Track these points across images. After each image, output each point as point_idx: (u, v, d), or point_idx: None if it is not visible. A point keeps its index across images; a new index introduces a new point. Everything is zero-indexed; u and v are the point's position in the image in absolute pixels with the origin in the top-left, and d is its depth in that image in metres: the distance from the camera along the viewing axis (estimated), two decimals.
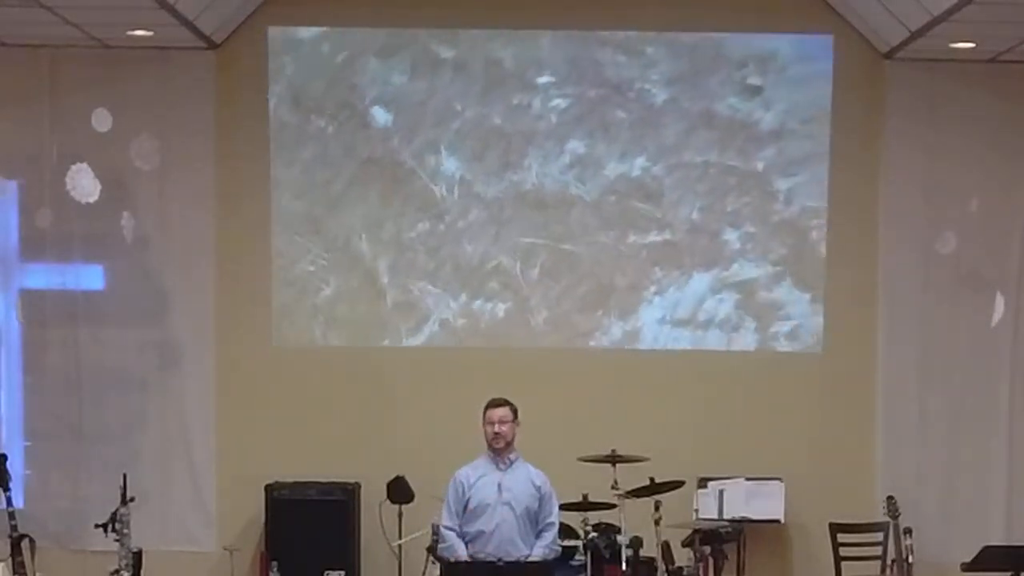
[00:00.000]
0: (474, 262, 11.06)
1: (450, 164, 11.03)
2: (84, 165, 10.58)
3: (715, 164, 11.00)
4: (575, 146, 10.99)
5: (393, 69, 10.94)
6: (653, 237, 11.04)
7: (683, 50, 10.93)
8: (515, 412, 9.13)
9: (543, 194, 11.03)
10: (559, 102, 11.00)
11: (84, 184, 10.35)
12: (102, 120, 10.42)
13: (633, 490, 9.55)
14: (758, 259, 11.04)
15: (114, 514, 9.55)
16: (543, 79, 11.00)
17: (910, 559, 9.99)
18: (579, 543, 9.64)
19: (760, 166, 11.00)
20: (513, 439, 9.13)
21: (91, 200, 10.55)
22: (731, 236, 11.04)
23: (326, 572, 10.37)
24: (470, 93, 10.97)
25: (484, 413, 9.12)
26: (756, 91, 10.95)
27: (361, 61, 10.96)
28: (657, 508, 9.43)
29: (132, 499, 9.64)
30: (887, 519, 10.38)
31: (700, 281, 11.05)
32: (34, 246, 10.97)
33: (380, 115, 11.00)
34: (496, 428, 9.06)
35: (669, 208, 11.03)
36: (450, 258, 11.06)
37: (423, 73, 10.95)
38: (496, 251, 11.05)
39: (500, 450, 9.10)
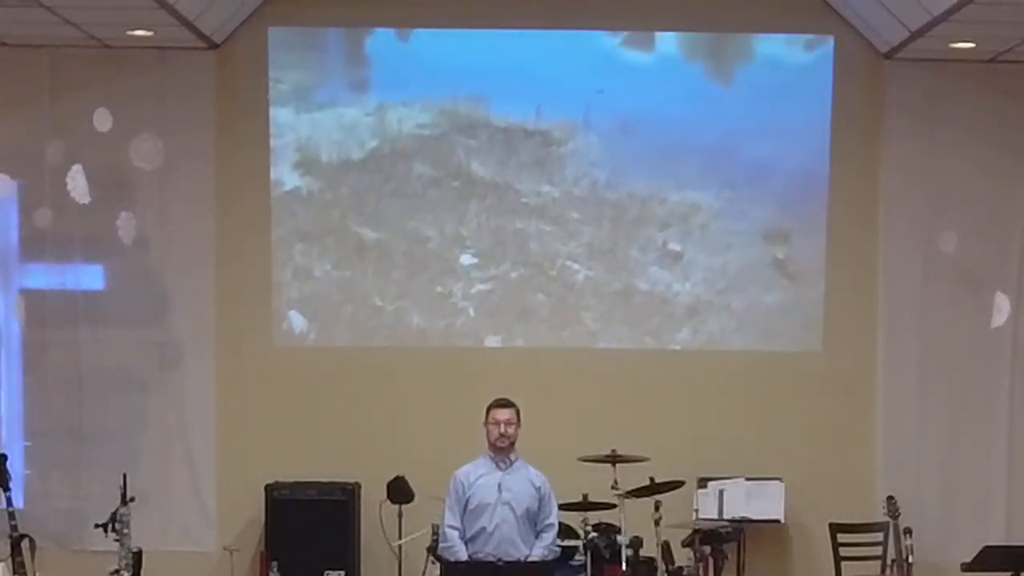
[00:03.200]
0: (474, 262, 11.05)
1: (450, 162, 11.05)
2: (81, 166, 10.57)
3: (716, 162, 11.03)
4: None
5: None
6: (653, 236, 11.04)
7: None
8: (518, 413, 9.15)
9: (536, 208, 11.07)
10: None
11: (83, 184, 10.35)
12: (102, 120, 10.41)
13: (633, 490, 9.54)
14: (758, 259, 11.03)
15: (114, 514, 9.54)
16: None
17: (910, 559, 9.99)
18: (579, 543, 9.64)
19: (760, 166, 11.00)
20: (516, 439, 9.15)
21: (87, 201, 10.54)
22: (730, 236, 11.03)
23: (326, 572, 10.38)
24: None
25: (488, 413, 9.13)
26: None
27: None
28: (657, 508, 9.43)
29: (132, 499, 9.63)
30: (887, 519, 10.38)
31: (700, 281, 11.04)
32: (34, 246, 10.97)
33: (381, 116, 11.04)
34: (502, 429, 9.06)
35: (669, 207, 11.03)
36: (450, 258, 11.06)
37: None
38: (496, 251, 11.05)
39: (503, 450, 9.10)
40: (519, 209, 11.08)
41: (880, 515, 10.54)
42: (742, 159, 10.97)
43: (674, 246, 11.09)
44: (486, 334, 11.09)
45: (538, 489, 9.14)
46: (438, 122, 11.03)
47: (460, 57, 10.95)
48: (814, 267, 11.02)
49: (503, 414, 9.08)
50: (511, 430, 9.09)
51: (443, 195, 11.05)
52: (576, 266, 11.09)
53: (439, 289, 11.07)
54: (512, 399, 9.18)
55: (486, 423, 9.14)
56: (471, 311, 11.09)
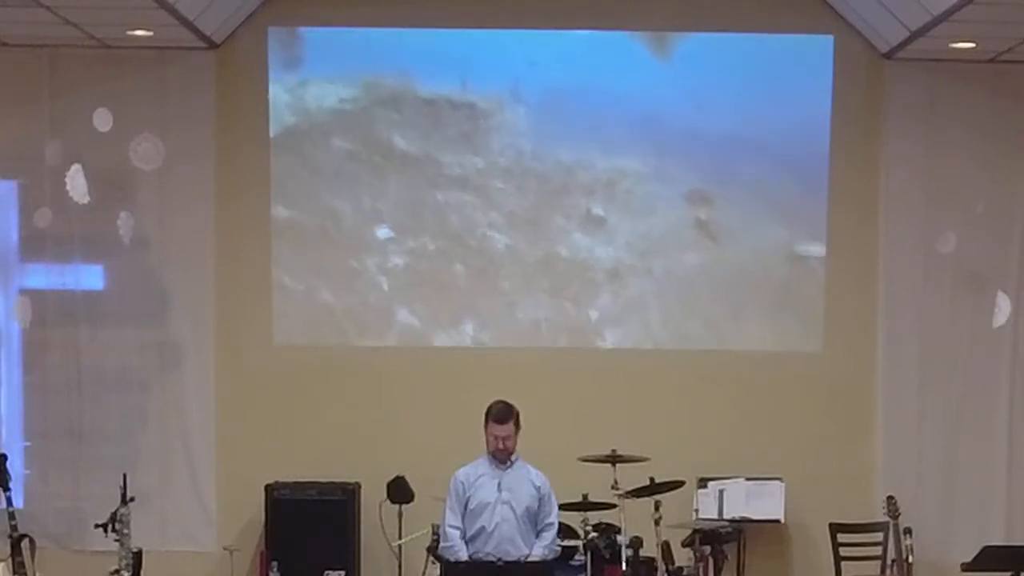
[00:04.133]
0: (474, 262, 11.05)
1: (451, 160, 11.05)
2: (80, 166, 10.56)
3: (715, 164, 11.03)
4: None
5: None
6: (652, 235, 11.04)
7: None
8: (518, 420, 9.12)
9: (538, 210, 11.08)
10: None
11: (82, 184, 10.34)
12: (102, 120, 10.41)
13: (633, 490, 9.55)
14: (757, 258, 11.03)
15: (114, 514, 9.54)
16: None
17: (910, 559, 9.99)
18: (579, 543, 9.64)
19: (760, 165, 11.00)
20: (515, 447, 9.15)
21: (85, 201, 10.53)
22: (730, 235, 11.03)
23: (326, 572, 10.38)
24: None
25: (487, 421, 9.10)
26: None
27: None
28: (657, 508, 9.44)
29: (132, 499, 9.63)
30: (887, 519, 10.38)
31: (699, 280, 11.04)
32: (34, 246, 10.97)
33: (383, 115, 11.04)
34: (500, 444, 9.07)
35: (670, 208, 11.03)
36: (450, 258, 11.06)
37: None
38: (496, 250, 11.05)
39: (502, 459, 9.13)
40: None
41: (880, 515, 10.54)
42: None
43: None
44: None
45: (538, 489, 9.14)
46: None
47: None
48: (814, 267, 11.02)
49: (502, 430, 9.05)
50: (509, 444, 9.09)
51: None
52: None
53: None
54: (512, 400, 9.16)
55: (485, 429, 9.12)
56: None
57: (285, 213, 11.02)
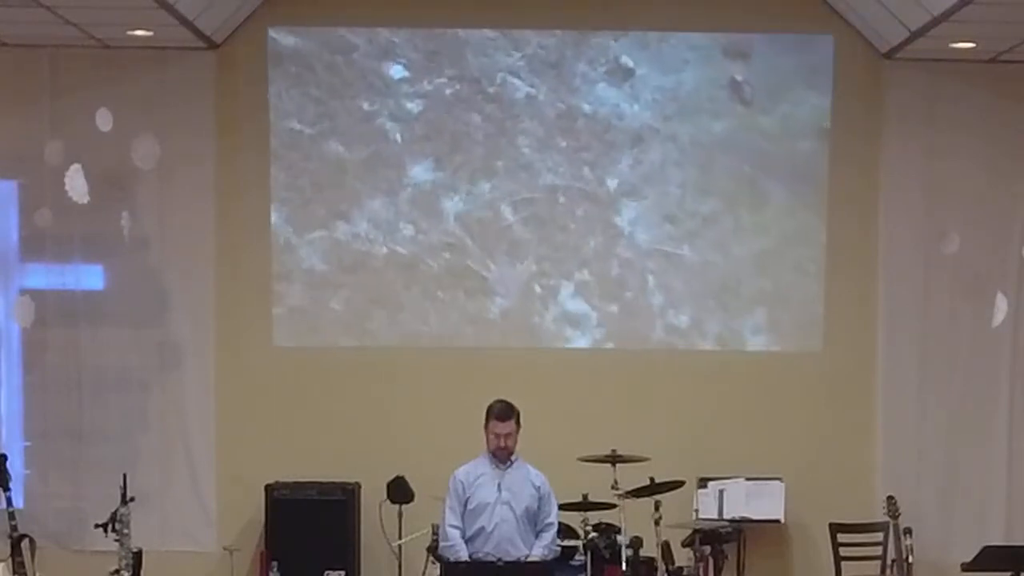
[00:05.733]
0: (474, 262, 11.06)
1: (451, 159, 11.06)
2: (80, 166, 10.56)
3: (714, 164, 11.03)
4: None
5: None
6: (653, 234, 11.04)
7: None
8: (518, 419, 9.14)
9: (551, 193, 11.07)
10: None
11: (81, 184, 10.34)
12: (103, 120, 10.41)
13: (633, 490, 9.55)
14: (758, 258, 11.04)
15: (114, 514, 9.54)
16: None
17: (910, 559, 9.99)
18: (579, 543, 9.64)
19: (760, 166, 11.01)
20: (515, 446, 9.15)
21: (85, 201, 10.53)
22: (730, 235, 11.03)
23: (326, 572, 10.38)
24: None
25: (488, 420, 9.12)
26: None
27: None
28: (657, 508, 9.44)
29: (132, 499, 9.63)
30: (887, 519, 10.38)
31: (699, 280, 11.04)
32: (34, 246, 10.97)
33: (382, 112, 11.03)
34: (501, 442, 9.08)
35: (670, 207, 11.03)
36: (450, 258, 11.06)
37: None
38: (496, 251, 11.05)
39: (503, 458, 9.13)
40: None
41: (880, 515, 10.54)
42: None
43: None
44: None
45: (538, 489, 9.14)
46: None
47: None
48: (814, 266, 11.02)
49: (503, 428, 9.07)
50: (510, 442, 9.10)
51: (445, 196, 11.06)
52: (576, 266, 11.08)
53: (439, 289, 11.07)
54: (512, 400, 9.17)
55: (486, 428, 9.13)
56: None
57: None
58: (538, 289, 11.04)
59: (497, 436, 9.07)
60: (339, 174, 11.03)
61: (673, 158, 11.01)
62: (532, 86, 11.00)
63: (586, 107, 11.01)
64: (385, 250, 11.05)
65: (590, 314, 11.06)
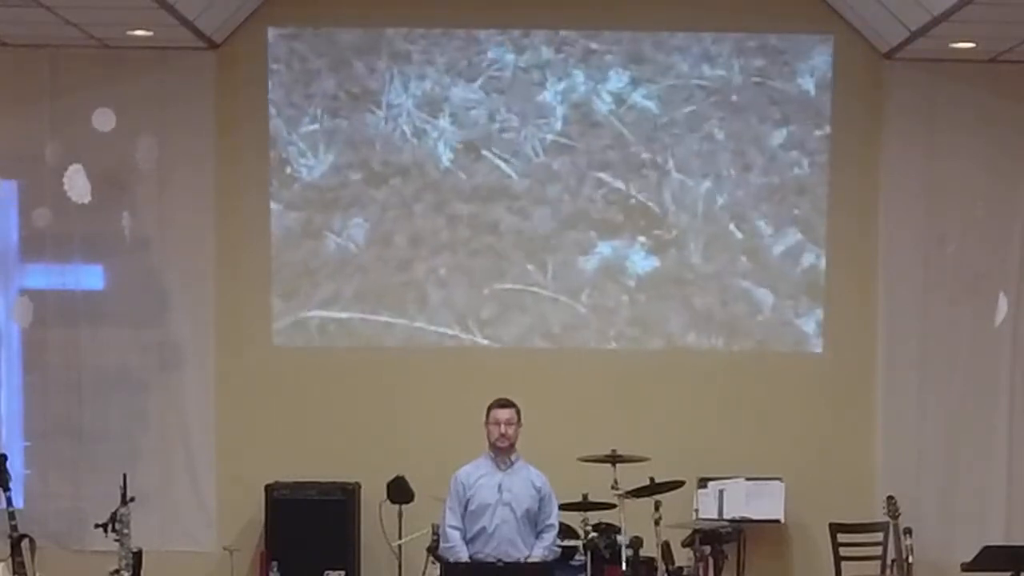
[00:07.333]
0: (473, 263, 11.06)
1: (452, 163, 11.05)
2: (79, 166, 10.56)
3: (714, 165, 11.03)
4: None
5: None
6: (653, 235, 11.04)
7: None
8: (519, 413, 9.15)
9: (543, 197, 11.06)
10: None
11: (80, 184, 10.34)
12: (105, 120, 10.41)
13: (633, 490, 9.55)
14: (758, 258, 11.03)
15: (114, 514, 9.54)
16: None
17: (910, 559, 9.99)
18: (579, 543, 9.64)
19: (760, 166, 11.01)
20: (516, 440, 9.15)
21: (86, 201, 10.53)
22: (731, 235, 11.03)
23: (326, 572, 10.37)
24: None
25: (488, 413, 9.13)
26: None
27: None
28: (657, 508, 9.44)
29: (132, 499, 9.63)
30: (887, 519, 10.38)
31: (699, 280, 11.04)
32: (34, 246, 10.97)
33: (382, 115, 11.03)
34: (502, 429, 9.06)
35: (671, 207, 11.03)
36: (450, 258, 11.06)
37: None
38: (496, 251, 11.05)
39: (503, 450, 9.11)
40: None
41: (880, 515, 10.54)
42: None
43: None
44: (486, 334, 11.07)
45: (538, 489, 9.14)
46: None
47: None
48: (814, 266, 11.02)
49: (503, 414, 9.08)
50: (511, 430, 9.09)
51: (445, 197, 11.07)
52: (575, 265, 11.08)
53: (439, 289, 11.04)
54: (512, 399, 9.18)
55: (486, 423, 9.14)
56: (470, 311, 11.08)
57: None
58: (538, 289, 11.04)
59: (498, 423, 9.06)
60: (339, 174, 11.03)
61: (671, 159, 11.00)
62: (532, 86, 10.99)
63: (583, 105, 11.00)
64: (385, 250, 11.05)
65: (590, 314, 11.06)
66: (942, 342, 10.95)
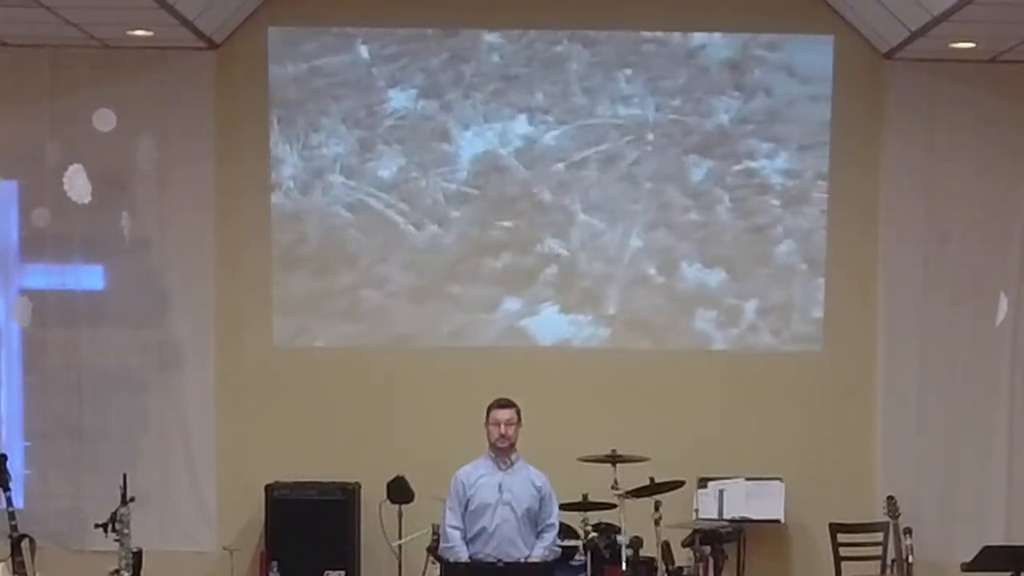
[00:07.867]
0: (472, 262, 11.06)
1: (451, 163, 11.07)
2: (79, 166, 10.55)
3: (715, 165, 11.03)
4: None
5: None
6: (653, 236, 11.04)
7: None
8: (519, 413, 9.15)
9: (541, 196, 11.07)
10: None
11: (80, 184, 10.34)
12: (105, 120, 10.41)
13: (633, 490, 9.55)
14: (758, 258, 11.03)
15: (114, 514, 9.54)
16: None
17: (910, 559, 9.98)
18: (579, 543, 9.64)
19: (760, 166, 11.00)
20: (516, 440, 9.15)
21: (86, 201, 10.53)
22: (731, 235, 11.03)
23: (326, 572, 10.37)
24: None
25: (489, 413, 9.13)
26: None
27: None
28: (657, 508, 9.44)
29: (132, 499, 9.63)
30: (887, 519, 10.38)
31: (700, 281, 11.04)
32: (34, 246, 10.97)
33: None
34: (502, 429, 9.07)
35: (670, 208, 11.03)
36: (450, 258, 11.06)
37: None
38: (496, 251, 11.05)
39: (503, 450, 9.11)
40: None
41: (880, 515, 10.54)
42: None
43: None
44: (486, 334, 11.06)
45: (539, 489, 9.14)
46: None
47: None
48: (814, 267, 11.02)
49: (503, 414, 9.08)
50: (511, 431, 9.09)
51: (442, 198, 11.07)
52: (576, 265, 11.09)
53: (439, 290, 11.03)
54: (512, 399, 9.18)
55: (487, 423, 9.14)
56: (470, 311, 11.07)
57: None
58: (538, 289, 11.05)
59: (498, 424, 9.07)
60: (339, 174, 11.03)
61: (672, 158, 11.01)
62: (533, 84, 10.99)
63: (585, 106, 11.00)
64: (385, 250, 11.05)
65: (590, 314, 11.06)
66: (942, 342, 10.95)
